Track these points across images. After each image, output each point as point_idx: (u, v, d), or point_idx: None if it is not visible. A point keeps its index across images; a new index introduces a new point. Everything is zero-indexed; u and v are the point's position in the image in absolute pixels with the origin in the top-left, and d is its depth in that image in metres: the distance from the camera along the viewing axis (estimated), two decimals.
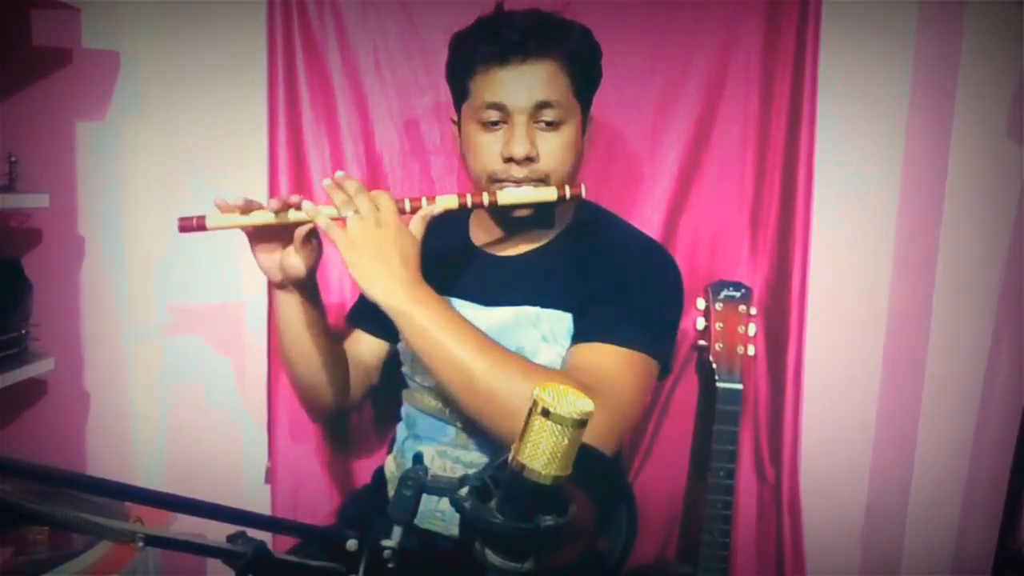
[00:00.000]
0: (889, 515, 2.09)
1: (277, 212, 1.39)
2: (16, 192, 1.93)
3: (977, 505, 2.03)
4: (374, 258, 1.32)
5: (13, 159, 1.91)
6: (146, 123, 2.05)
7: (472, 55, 1.48)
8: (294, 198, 1.39)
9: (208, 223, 1.40)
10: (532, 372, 1.32)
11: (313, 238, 1.44)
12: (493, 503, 0.85)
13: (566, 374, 1.38)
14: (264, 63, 1.94)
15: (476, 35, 1.49)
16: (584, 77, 1.51)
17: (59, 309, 2.10)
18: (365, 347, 1.74)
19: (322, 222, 1.37)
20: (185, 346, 2.14)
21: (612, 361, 1.39)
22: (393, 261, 1.33)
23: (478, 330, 1.34)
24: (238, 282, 2.08)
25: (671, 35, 1.95)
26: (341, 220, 1.36)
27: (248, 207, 1.40)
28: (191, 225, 1.39)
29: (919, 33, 1.98)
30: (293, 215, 1.40)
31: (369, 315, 1.72)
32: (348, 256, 1.33)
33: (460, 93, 1.54)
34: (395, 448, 1.71)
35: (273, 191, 1.95)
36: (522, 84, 1.44)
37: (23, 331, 2.00)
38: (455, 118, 1.60)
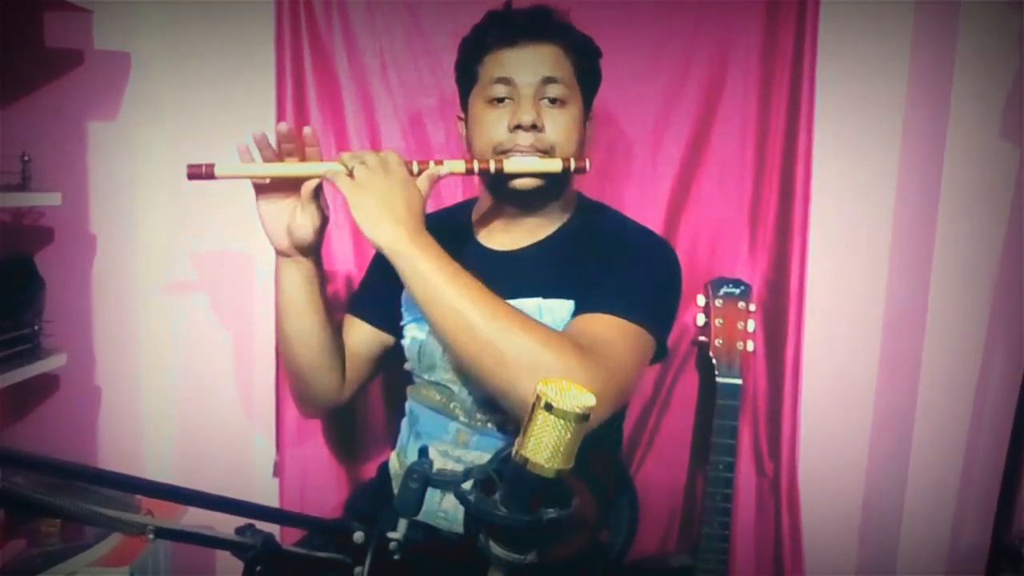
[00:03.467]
0: (886, 508, 2.10)
1: (282, 159, 1.43)
2: (29, 191, 1.94)
3: (972, 498, 2.04)
4: (379, 203, 1.33)
5: (26, 158, 1.92)
6: (156, 123, 2.06)
7: (483, 41, 1.54)
8: (306, 129, 1.43)
9: (217, 171, 1.41)
10: (532, 327, 1.32)
11: (321, 194, 1.47)
12: (497, 496, 0.87)
13: (566, 334, 1.38)
14: (272, 64, 1.96)
15: (486, 25, 1.55)
16: (586, 70, 1.56)
17: (71, 306, 2.11)
18: (362, 338, 1.73)
19: (329, 172, 1.39)
20: (195, 342, 2.15)
21: (610, 329, 1.40)
22: (398, 206, 1.34)
23: (480, 283, 1.34)
24: (249, 279, 2.09)
25: (672, 36, 1.98)
26: (349, 175, 1.38)
27: (264, 144, 1.43)
28: (200, 173, 1.40)
29: (915, 35, 2.00)
30: (301, 169, 1.42)
31: (371, 304, 1.74)
32: (353, 199, 1.34)
33: (468, 82, 1.58)
34: (398, 445, 1.72)
35: None
36: (529, 62, 1.50)
37: (36, 327, 2.01)
38: (461, 115, 1.64)
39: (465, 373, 1.45)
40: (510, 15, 1.53)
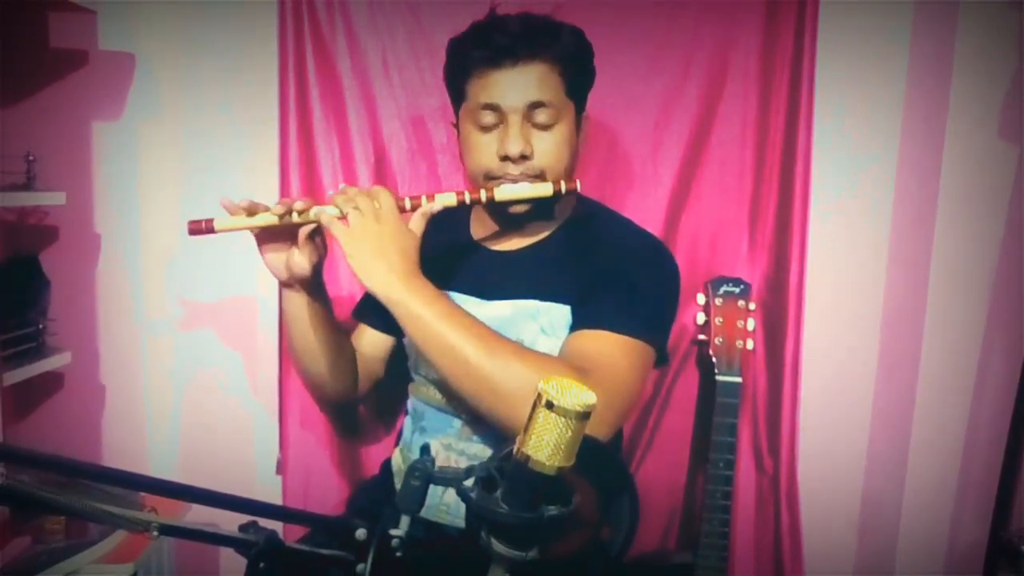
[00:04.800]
0: (885, 505, 2.11)
1: (281, 216, 1.43)
2: (34, 190, 1.95)
3: (970, 496, 2.05)
4: (373, 251, 1.36)
5: (31, 158, 1.93)
6: (160, 123, 2.07)
7: (467, 59, 1.52)
8: (298, 204, 1.43)
9: (216, 226, 1.43)
10: (528, 357, 1.34)
11: (317, 237, 1.48)
12: (498, 493, 0.87)
13: (562, 359, 1.40)
14: (275, 64, 1.97)
15: (470, 40, 1.53)
16: (576, 77, 1.54)
17: (76, 304, 2.12)
18: (370, 341, 1.78)
19: (324, 219, 1.40)
20: (199, 341, 2.16)
21: (609, 346, 1.41)
22: (392, 254, 1.36)
23: (474, 318, 1.37)
24: (251, 277, 2.09)
25: (672, 36, 1.97)
26: (344, 219, 1.40)
27: (253, 209, 1.44)
28: (200, 228, 1.43)
29: (914, 34, 2.00)
30: (297, 216, 1.43)
31: (374, 310, 1.76)
32: (348, 249, 1.36)
33: (458, 96, 1.58)
34: (402, 441, 1.73)
35: (284, 189, 1.98)
36: (515, 85, 1.48)
37: (41, 326, 2.03)
38: (454, 121, 1.64)
39: (469, 407, 1.46)
40: (492, 33, 1.49)
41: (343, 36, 1.99)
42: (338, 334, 1.66)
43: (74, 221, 2.10)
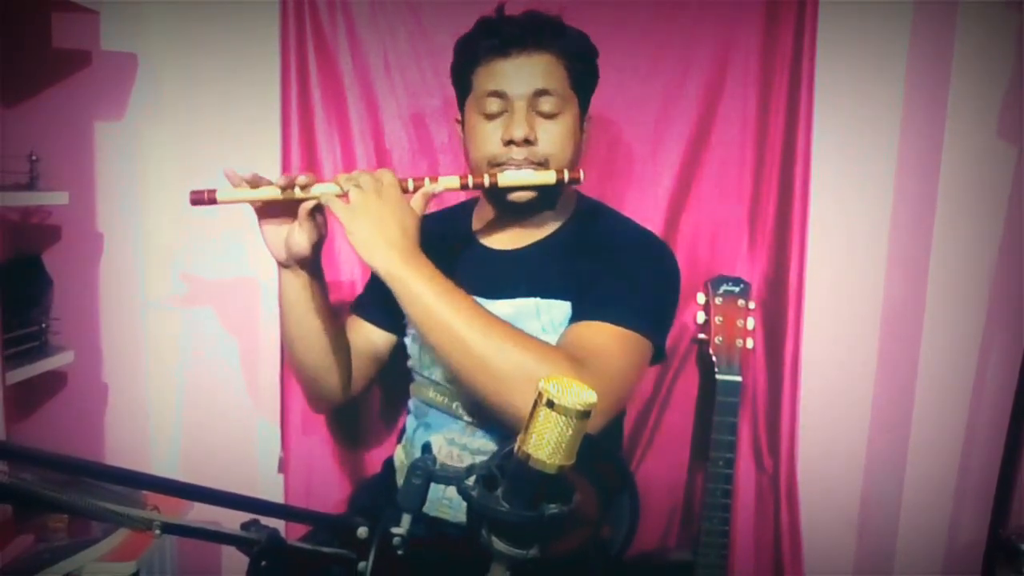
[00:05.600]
0: (884, 503, 2.11)
1: (284, 188, 1.42)
2: (37, 190, 1.95)
3: (969, 494, 2.05)
4: (373, 226, 1.35)
5: (34, 158, 1.93)
6: (163, 123, 2.08)
7: (475, 50, 1.54)
8: (301, 178, 1.42)
9: (219, 197, 1.42)
10: (524, 341, 1.33)
11: (318, 215, 1.47)
12: (499, 492, 0.87)
13: (558, 347, 1.40)
14: (277, 64, 1.97)
15: (479, 32, 1.55)
16: (581, 73, 1.56)
17: (78, 304, 2.12)
18: (368, 337, 1.75)
19: (324, 198, 1.40)
20: (201, 341, 2.17)
21: (606, 337, 1.41)
22: (392, 230, 1.35)
23: (472, 300, 1.36)
24: (253, 278, 2.10)
25: (672, 37, 1.98)
26: (345, 196, 1.39)
27: (256, 181, 1.43)
28: (202, 199, 1.42)
29: (913, 34, 2.01)
30: (300, 192, 1.42)
31: (374, 305, 1.75)
32: (348, 224, 1.35)
33: (464, 89, 1.59)
34: (404, 438, 1.73)
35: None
36: (521, 73, 1.49)
37: (43, 325, 2.03)
38: (459, 118, 1.65)
39: (463, 389, 1.45)
40: (501, 24, 1.52)
41: (344, 36, 2.00)
42: (335, 323, 1.64)
43: (77, 221, 2.11)
